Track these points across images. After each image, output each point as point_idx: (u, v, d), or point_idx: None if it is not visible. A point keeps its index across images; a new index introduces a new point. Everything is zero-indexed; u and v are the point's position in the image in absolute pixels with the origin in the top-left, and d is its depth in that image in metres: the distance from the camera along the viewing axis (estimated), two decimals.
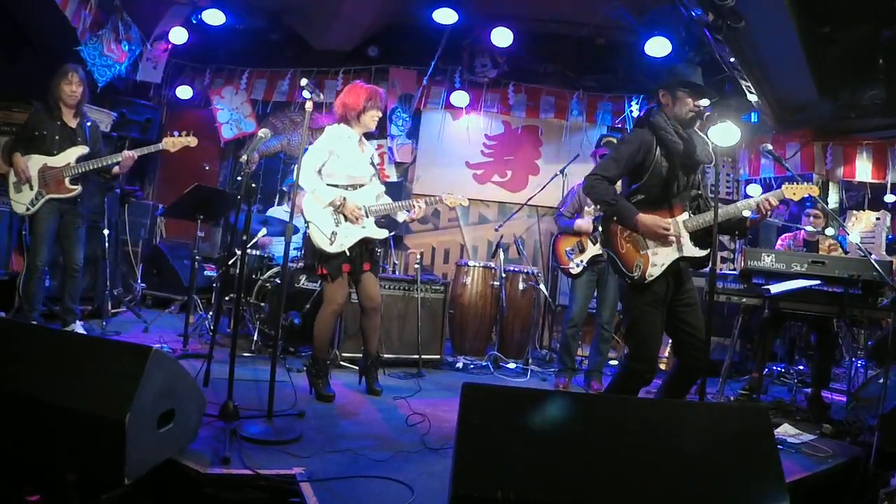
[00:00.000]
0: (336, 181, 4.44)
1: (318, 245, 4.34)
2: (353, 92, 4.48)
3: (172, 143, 5.27)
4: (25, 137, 5.13)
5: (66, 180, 5.08)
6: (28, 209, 5.04)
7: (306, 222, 4.38)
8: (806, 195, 3.81)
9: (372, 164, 4.62)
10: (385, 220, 4.72)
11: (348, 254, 4.43)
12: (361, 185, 4.54)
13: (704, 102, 3.57)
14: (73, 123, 5.23)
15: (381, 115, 4.58)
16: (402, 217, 4.83)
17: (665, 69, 3.83)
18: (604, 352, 5.82)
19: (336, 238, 4.35)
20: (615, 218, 3.62)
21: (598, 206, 3.72)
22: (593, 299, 5.87)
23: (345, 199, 4.39)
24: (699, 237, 3.64)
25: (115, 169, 5.28)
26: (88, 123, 5.35)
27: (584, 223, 5.66)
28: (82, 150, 5.18)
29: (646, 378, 3.53)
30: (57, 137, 5.13)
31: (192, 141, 5.33)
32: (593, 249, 5.60)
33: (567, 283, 6.20)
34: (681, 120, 3.59)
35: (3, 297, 5.65)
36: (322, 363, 4.52)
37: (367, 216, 4.52)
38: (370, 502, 2.81)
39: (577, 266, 5.67)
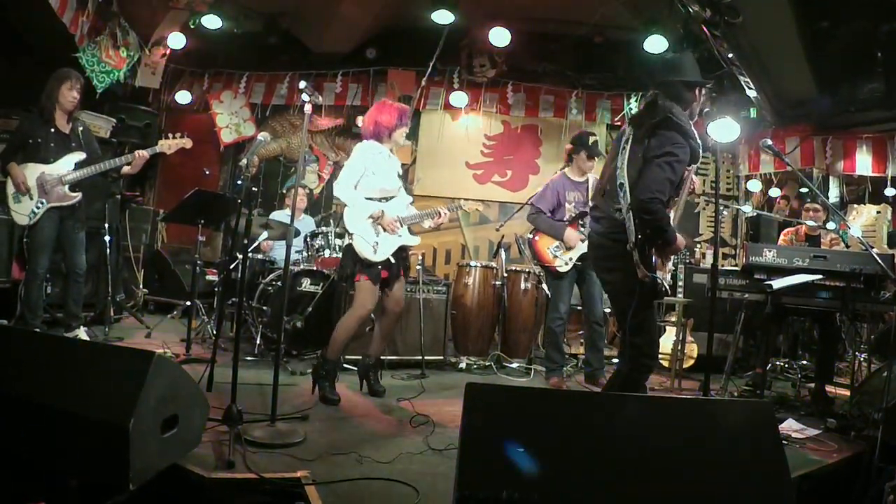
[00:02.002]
0: (371, 195, 4.59)
1: (363, 254, 4.47)
2: (385, 111, 4.66)
3: (168, 145, 5.28)
4: (18, 145, 5.07)
5: (66, 187, 5.06)
6: (30, 219, 5.00)
7: (349, 234, 4.51)
8: None
9: (399, 176, 4.79)
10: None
11: (392, 260, 4.61)
12: (392, 197, 4.70)
13: None
14: (66, 129, 5.19)
15: (408, 131, 4.82)
16: (427, 224, 4.95)
17: (685, 62, 3.67)
18: (601, 347, 5.79)
19: (378, 247, 4.50)
20: (660, 241, 3.39)
21: (647, 230, 3.32)
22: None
23: (383, 211, 4.56)
24: None
25: (126, 168, 5.26)
26: (80, 128, 5.31)
27: (573, 236, 5.53)
28: (79, 155, 5.16)
29: (652, 369, 3.60)
30: (52, 144, 5.08)
31: (187, 142, 5.35)
32: (582, 247, 5.47)
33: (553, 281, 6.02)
34: (692, 116, 3.54)
35: (5, 304, 5.65)
36: (333, 366, 4.53)
37: (402, 225, 4.69)
38: None
39: (567, 264, 5.58)
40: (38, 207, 5.00)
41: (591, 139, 5.73)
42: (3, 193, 5.11)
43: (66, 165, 5.10)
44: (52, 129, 5.10)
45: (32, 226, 5.04)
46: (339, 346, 4.51)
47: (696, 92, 3.57)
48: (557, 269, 5.63)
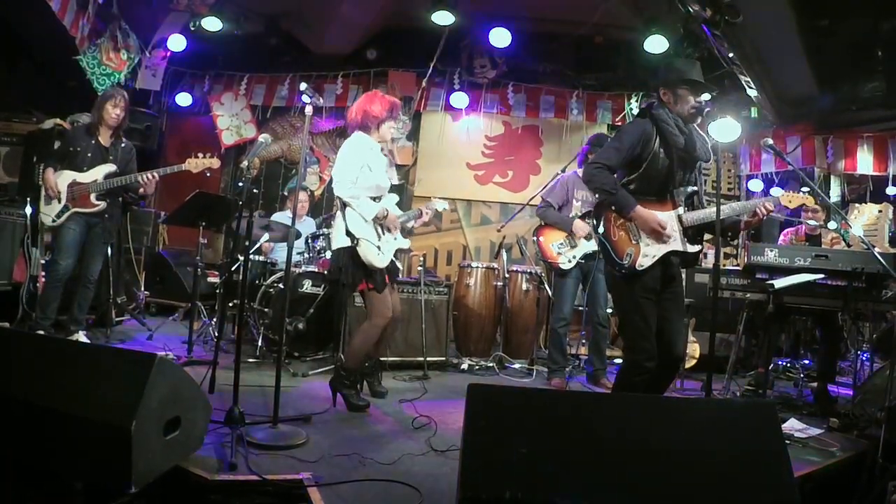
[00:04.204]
0: (367, 193, 4.30)
1: (370, 260, 4.20)
2: (375, 101, 4.35)
3: (196, 164, 5.33)
4: (61, 153, 5.39)
5: (92, 196, 5.25)
6: (54, 221, 5.23)
7: (354, 239, 4.18)
8: (800, 205, 3.84)
9: (386, 173, 4.53)
10: None
11: (394, 264, 4.47)
12: (381, 196, 4.43)
13: (706, 97, 3.59)
14: (106, 143, 5.42)
15: (396, 126, 4.45)
16: (411, 224, 4.85)
17: (663, 65, 3.83)
18: (603, 348, 5.82)
19: (382, 251, 4.28)
20: (613, 207, 3.64)
21: (597, 195, 3.79)
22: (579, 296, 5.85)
23: (388, 211, 4.34)
24: (691, 234, 3.66)
25: (141, 189, 5.47)
26: (122, 145, 5.52)
27: (582, 227, 5.53)
28: (110, 167, 5.35)
29: (646, 367, 3.47)
30: (89, 155, 5.32)
31: (215, 162, 5.40)
32: (587, 245, 5.52)
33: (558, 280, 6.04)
34: (682, 116, 3.60)
35: (7, 307, 5.65)
36: (355, 374, 4.39)
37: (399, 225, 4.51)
38: None
39: (570, 261, 5.59)
40: (62, 211, 5.22)
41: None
42: (37, 195, 5.40)
43: (95, 175, 5.30)
44: (94, 141, 5.38)
45: (58, 227, 5.25)
46: (359, 356, 4.35)
47: (665, 93, 3.65)
48: (560, 265, 5.63)
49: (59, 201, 5.20)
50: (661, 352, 3.53)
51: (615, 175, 3.63)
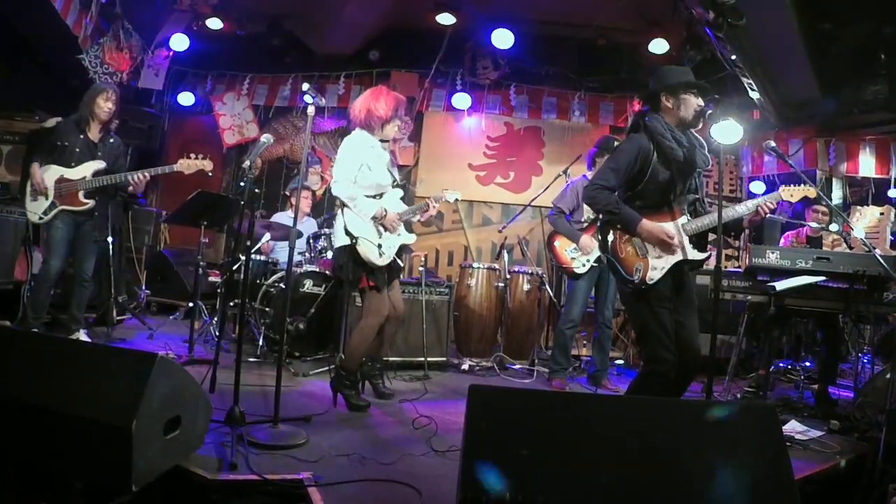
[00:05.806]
0: (366, 191, 4.33)
1: (370, 259, 4.23)
2: (380, 99, 4.34)
3: (188, 165, 5.26)
4: (47, 147, 5.23)
5: (80, 193, 5.13)
6: (41, 218, 5.10)
7: (353, 238, 4.21)
8: (802, 197, 3.82)
9: (388, 170, 4.51)
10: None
11: (400, 263, 4.46)
12: (384, 193, 4.45)
13: (701, 103, 3.58)
14: (95, 139, 5.30)
15: (401, 125, 4.48)
16: (416, 219, 4.82)
17: (662, 72, 3.76)
18: (607, 349, 5.82)
19: (383, 250, 4.29)
20: (619, 225, 3.62)
21: (601, 215, 3.77)
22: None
23: (386, 210, 4.34)
24: (697, 240, 3.65)
25: (130, 188, 5.34)
26: (111, 140, 5.42)
27: (588, 244, 5.50)
28: (99, 164, 5.24)
29: (669, 376, 3.46)
30: (77, 150, 5.19)
31: (208, 164, 5.33)
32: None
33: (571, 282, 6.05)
34: (682, 122, 3.58)
35: (8, 305, 5.66)
36: (354, 375, 4.41)
37: (400, 222, 4.49)
38: None
39: (584, 266, 5.58)
40: (50, 208, 5.10)
41: (616, 143, 5.69)
42: (23, 191, 5.26)
43: (84, 172, 5.18)
44: (83, 137, 5.23)
45: (47, 226, 5.13)
46: (357, 355, 4.36)
47: (668, 98, 3.61)
48: (575, 270, 5.63)
49: (47, 198, 5.07)
50: (678, 355, 3.50)
51: (616, 193, 3.62)
